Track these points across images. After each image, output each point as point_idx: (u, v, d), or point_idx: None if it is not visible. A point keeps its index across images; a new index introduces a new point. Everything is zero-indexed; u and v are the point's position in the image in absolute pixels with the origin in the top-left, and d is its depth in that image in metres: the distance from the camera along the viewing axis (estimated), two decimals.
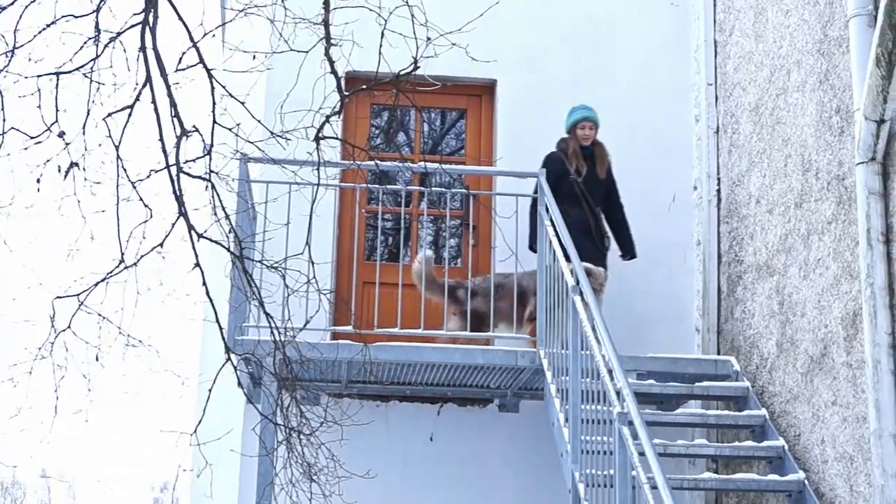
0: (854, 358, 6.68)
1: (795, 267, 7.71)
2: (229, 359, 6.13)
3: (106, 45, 5.34)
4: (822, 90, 7.38)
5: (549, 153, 8.94)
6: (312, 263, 6.50)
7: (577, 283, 7.21)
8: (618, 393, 6.23)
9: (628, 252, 8.98)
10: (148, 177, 5.49)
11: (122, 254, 5.60)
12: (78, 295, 5.70)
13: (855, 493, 6.63)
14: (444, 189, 9.54)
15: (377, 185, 9.54)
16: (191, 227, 5.68)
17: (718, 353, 9.00)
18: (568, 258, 7.52)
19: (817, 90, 7.48)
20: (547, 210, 8.19)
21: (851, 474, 6.69)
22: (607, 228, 9.04)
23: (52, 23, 5.28)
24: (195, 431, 6.64)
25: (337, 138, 6.41)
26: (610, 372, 6.44)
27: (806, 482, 7.11)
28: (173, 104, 5.46)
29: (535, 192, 8.57)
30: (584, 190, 8.75)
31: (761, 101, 8.58)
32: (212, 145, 5.70)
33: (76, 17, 5.32)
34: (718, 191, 9.43)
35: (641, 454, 5.71)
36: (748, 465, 7.87)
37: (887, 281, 6.31)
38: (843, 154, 6.97)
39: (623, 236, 9.00)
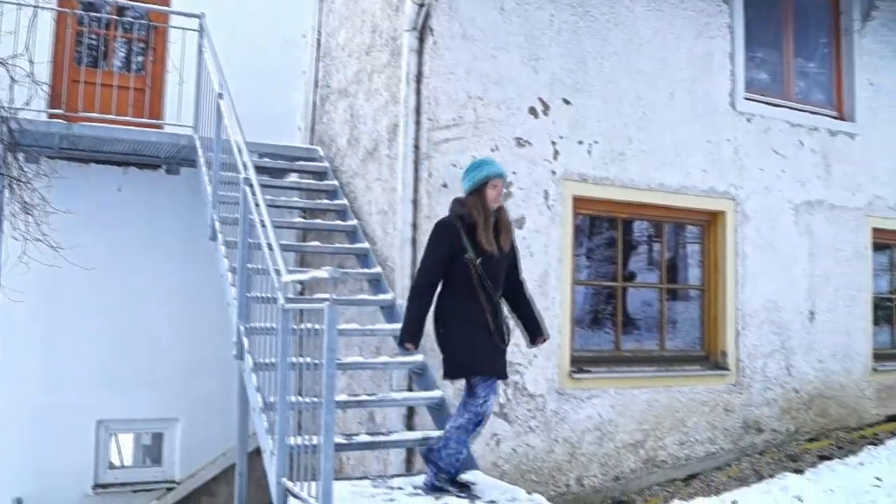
0: (393, 152, 6.87)
1: (362, 93, 7.74)
2: None
3: None
4: None
5: (442, 219, 4.69)
6: (31, 63, 5.94)
7: (221, 92, 6.89)
8: (244, 165, 6.07)
9: (537, 333, 4.91)
10: None
11: None
12: None
13: (386, 233, 6.94)
14: (133, 20, 8.80)
15: (85, 13, 8.63)
16: None
17: (311, 144, 8.95)
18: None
19: None
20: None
21: (385, 222, 6.98)
22: (508, 315, 4.84)
23: None
24: None
25: None
26: (240, 151, 6.27)
27: (358, 226, 7.32)
28: None
29: (199, 29, 7.85)
30: (484, 274, 4.56)
31: None
32: None
33: None
34: (318, 39, 9.19)
35: (257, 205, 5.63)
36: (324, 215, 7.92)
37: (416, 106, 6.45)
38: (397, 23, 6.98)
39: (529, 319, 4.91)
